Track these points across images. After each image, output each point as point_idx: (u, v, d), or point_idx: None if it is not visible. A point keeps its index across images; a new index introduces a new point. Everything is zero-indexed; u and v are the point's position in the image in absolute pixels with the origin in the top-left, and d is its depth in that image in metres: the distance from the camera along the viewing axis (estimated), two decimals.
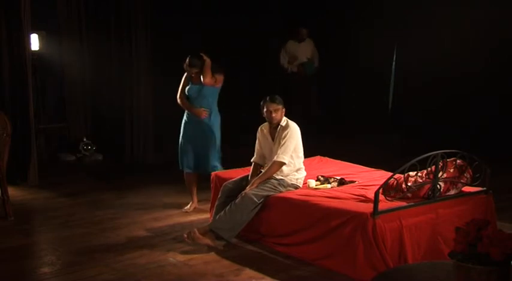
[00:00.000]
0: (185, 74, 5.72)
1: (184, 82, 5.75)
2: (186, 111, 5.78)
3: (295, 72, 9.29)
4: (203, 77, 5.58)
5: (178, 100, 5.74)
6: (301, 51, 9.30)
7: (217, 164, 5.76)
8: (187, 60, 5.58)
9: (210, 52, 5.70)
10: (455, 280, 2.56)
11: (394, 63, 9.38)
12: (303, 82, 9.32)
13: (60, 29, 8.20)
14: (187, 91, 5.71)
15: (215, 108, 5.75)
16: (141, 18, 7.96)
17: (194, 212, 5.79)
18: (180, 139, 5.83)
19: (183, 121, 5.82)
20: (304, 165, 5.19)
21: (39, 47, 7.72)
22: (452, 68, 8.24)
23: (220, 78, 5.66)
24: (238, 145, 7.22)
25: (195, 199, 5.91)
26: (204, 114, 5.65)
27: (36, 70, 7.66)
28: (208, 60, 5.57)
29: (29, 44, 6.95)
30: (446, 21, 8.10)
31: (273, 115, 4.95)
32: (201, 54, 5.59)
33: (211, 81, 5.62)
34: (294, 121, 5.10)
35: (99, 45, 8.24)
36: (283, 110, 5.00)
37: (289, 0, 9.82)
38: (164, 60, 8.10)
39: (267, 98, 4.99)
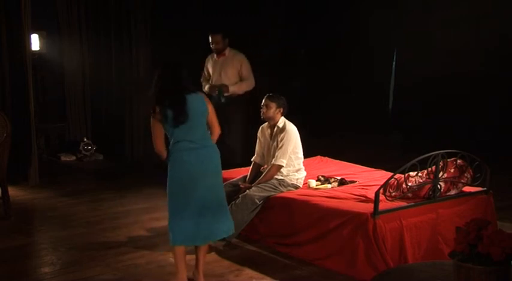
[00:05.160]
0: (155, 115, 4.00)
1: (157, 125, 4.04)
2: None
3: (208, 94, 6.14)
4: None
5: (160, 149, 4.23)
6: (214, 71, 6.47)
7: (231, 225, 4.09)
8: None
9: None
10: (455, 280, 2.56)
11: (394, 63, 9.37)
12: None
13: (60, 29, 8.21)
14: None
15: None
16: (141, 18, 7.96)
17: None
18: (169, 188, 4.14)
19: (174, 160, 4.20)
20: (304, 165, 5.19)
21: (39, 47, 7.72)
22: (452, 67, 8.23)
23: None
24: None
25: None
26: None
27: (37, 70, 7.66)
28: None
29: (29, 44, 6.94)
30: (446, 20, 8.10)
31: (263, 110, 5.03)
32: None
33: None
34: None
35: (99, 45, 8.25)
36: (280, 110, 5.00)
37: None
38: (164, 61, 8.07)
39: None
